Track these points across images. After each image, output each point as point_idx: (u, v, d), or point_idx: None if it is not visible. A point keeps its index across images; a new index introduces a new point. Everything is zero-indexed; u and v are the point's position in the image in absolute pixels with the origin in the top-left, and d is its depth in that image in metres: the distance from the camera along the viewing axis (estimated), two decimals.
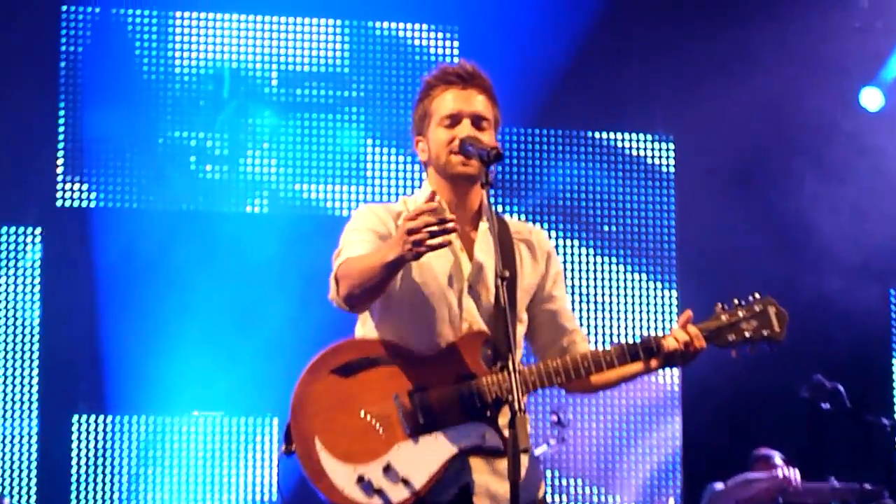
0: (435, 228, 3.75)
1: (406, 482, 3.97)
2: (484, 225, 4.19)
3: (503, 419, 3.99)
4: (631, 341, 4.19)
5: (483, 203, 4.20)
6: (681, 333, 4.17)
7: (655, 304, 9.41)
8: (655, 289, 9.46)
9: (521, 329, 4.26)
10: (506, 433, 3.75)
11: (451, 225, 3.77)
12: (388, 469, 3.98)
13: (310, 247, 8.28)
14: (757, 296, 4.26)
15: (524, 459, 3.98)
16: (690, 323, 4.24)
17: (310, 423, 4.01)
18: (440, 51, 9.39)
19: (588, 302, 9.43)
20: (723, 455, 8.93)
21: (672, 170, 9.59)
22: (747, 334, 4.21)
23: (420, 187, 4.36)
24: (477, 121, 4.19)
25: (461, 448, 4.02)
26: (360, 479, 3.96)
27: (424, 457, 3.99)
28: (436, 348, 4.11)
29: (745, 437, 8.96)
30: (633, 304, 9.44)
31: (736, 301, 4.25)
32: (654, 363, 4.19)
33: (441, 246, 3.78)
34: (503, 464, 3.97)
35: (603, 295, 9.37)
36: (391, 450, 4.00)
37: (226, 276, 8.84)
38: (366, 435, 4.00)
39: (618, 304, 9.42)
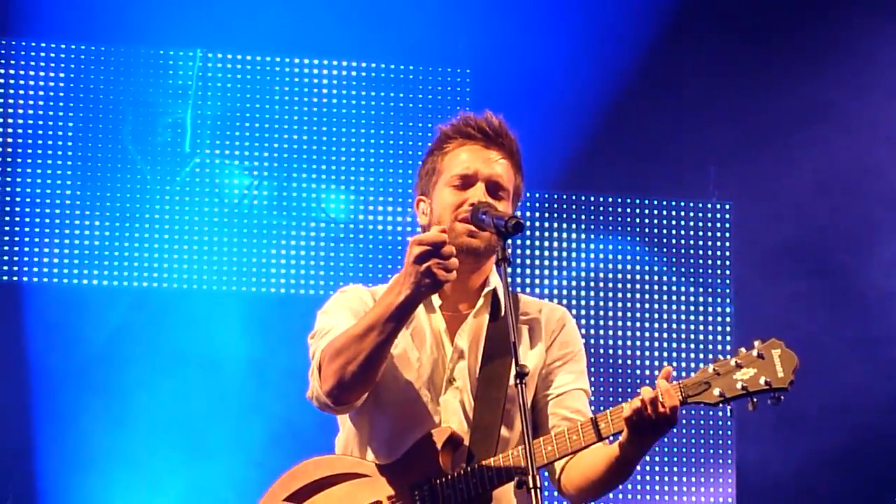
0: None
1: None
2: (479, 304, 3.90)
3: None
4: (597, 415, 3.74)
5: (487, 281, 3.90)
6: (647, 391, 3.61)
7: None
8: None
9: (505, 433, 3.88)
10: None
11: (454, 261, 3.58)
12: None
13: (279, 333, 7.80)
14: (758, 342, 3.67)
15: None
16: (667, 378, 3.67)
17: None
18: (448, 97, 8.64)
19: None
20: None
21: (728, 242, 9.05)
22: (738, 385, 3.59)
23: None
24: (494, 188, 3.87)
25: None
26: None
27: None
28: (405, 451, 3.84)
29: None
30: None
31: (741, 350, 3.68)
32: (624, 432, 3.65)
33: (447, 281, 3.58)
34: None
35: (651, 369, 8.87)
36: None
37: (182, 362, 8.08)
38: None
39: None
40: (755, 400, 3.58)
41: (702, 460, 8.77)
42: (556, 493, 4.00)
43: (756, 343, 3.63)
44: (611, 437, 3.75)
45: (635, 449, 3.68)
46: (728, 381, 3.60)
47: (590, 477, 3.83)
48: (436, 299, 3.85)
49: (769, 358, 3.61)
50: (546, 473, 3.94)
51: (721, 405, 3.62)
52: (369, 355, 3.66)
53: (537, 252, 8.73)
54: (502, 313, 3.84)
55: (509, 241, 3.68)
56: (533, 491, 3.41)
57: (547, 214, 8.77)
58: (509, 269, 3.64)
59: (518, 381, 3.48)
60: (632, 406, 3.59)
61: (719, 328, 8.89)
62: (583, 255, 8.77)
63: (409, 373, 3.85)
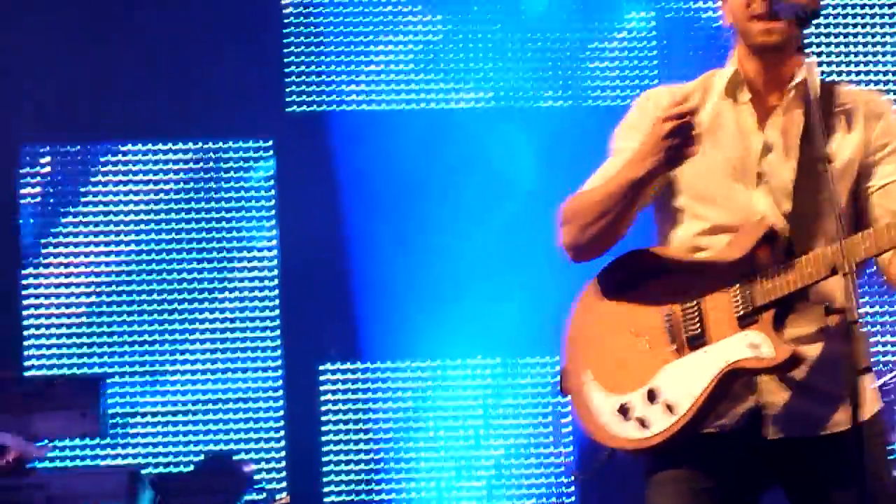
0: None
1: (669, 407, 3.57)
2: (790, 97, 3.69)
3: (793, 328, 3.56)
4: None
5: (796, 73, 3.67)
6: None
7: None
8: None
9: (825, 224, 3.64)
10: (785, 339, 3.50)
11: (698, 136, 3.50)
12: (651, 395, 3.60)
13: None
14: None
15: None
16: None
17: (581, 358, 3.75)
18: None
19: None
20: None
21: None
22: None
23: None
24: None
25: (728, 363, 3.54)
26: (622, 409, 3.63)
27: (690, 377, 3.57)
28: (722, 247, 3.67)
29: None
30: None
31: None
32: None
33: (692, 156, 3.51)
34: (808, 379, 3.57)
35: None
36: (658, 373, 3.61)
37: (496, 189, 7.93)
38: (634, 360, 3.66)
39: None
40: None
41: None
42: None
43: None
44: None
45: None
46: None
47: None
48: (744, 94, 3.70)
49: None
50: (875, 266, 3.71)
51: None
52: (606, 223, 3.65)
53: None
54: (812, 102, 3.60)
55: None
56: (848, 276, 3.33)
57: None
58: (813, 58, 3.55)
59: (824, 169, 3.40)
60: None
61: None
62: None
63: (717, 172, 3.72)
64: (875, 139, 3.74)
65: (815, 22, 3.68)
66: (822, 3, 3.65)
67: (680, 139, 3.48)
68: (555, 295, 6.93)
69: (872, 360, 3.72)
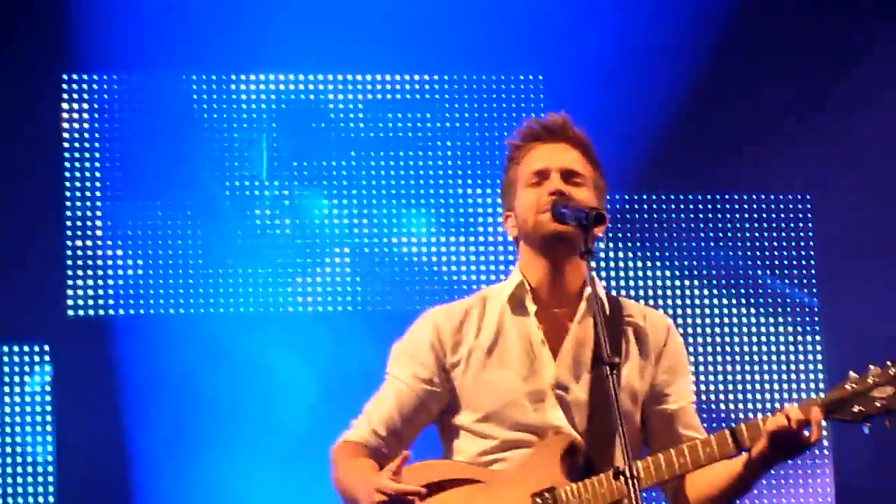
0: None
1: None
2: (581, 309, 3.76)
3: None
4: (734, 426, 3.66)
5: (586, 283, 3.75)
6: (794, 409, 3.58)
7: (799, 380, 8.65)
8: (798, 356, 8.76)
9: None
10: None
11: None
12: None
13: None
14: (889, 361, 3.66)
15: None
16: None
17: None
18: (523, 104, 8.51)
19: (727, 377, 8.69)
20: None
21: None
22: (879, 404, 3.58)
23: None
24: (568, 175, 3.81)
25: None
26: None
27: None
28: (514, 463, 3.73)
29: None
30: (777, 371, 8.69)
31: (872, 367, 3.67)
32: (758, 447, 3.58)
33: None
34: None
35: (742, 368, 8.68)
36: None
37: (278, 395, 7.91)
38: None
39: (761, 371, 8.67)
40: (894, 420, 3.60)
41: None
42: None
43: (888, 362, 3.64)
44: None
45: (764, 466, 3.64)
46: (867, 399, 3.59)
47: (709, 495, 3.76)
48: (530, 304, 3.77)
49: None
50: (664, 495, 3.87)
51: (856, 422, 3.62)
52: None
53: (620, 254, 8.57)
54: (605, 314, 3.77)
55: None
56: (631, 481, 3.34)
57: (629, 216, 8.58)
58: (593, 264, 3.61)
59: (609, 374, 3.40)
60: (776, 421, 3.57)
61: (808, 328, 8.68)
62: (666, 253, 8.62)
63: (504, 390, 3.78)
64: (663, 361, 3.86)
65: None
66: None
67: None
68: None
69: None
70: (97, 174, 8.04)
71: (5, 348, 7.87)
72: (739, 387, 8.60)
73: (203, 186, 8.07)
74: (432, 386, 3.83)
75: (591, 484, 3.61)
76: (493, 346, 3.78)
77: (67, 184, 8.02)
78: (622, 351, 3.80)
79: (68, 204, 8.02)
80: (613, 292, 4.15)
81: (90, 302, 8.00)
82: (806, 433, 3.57)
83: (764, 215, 8.73)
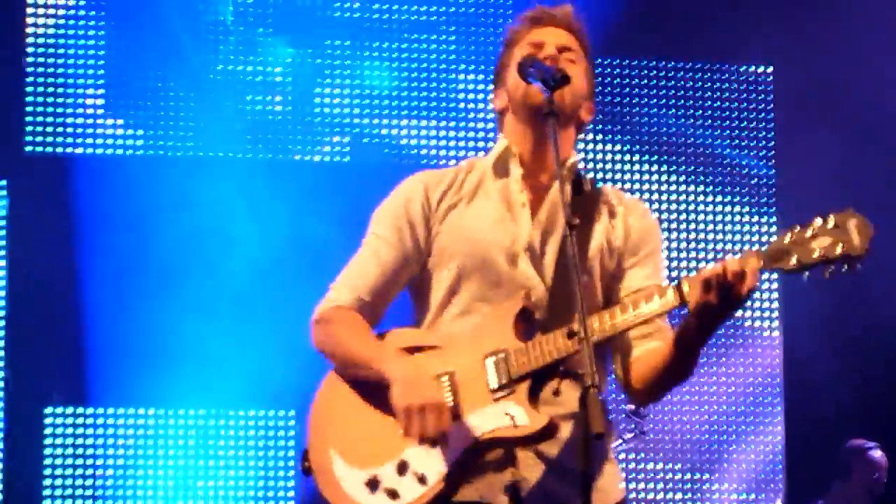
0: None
1: (420, 478, 3.59)
2: (561, 173, 3.62)
3: (550, 406, 3.59)
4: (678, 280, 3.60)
5: (569, 152, 3.81)
6: (732, 260, 3.51)
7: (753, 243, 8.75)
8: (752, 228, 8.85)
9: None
10: (539, 411, 3.53)
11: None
12: (402, 467, 3.62)
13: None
14: (832, 213, 3.56)
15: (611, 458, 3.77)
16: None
17: (328, 434, 3.75)
18: None
19: (680, 247, 8.80)
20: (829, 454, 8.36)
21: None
22: (816, 254, 3.51)
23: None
24: (564, 50, 3.79)
25: (482, 433, 3.57)
26: (370, 482, 3.64)
27: (440, 448, 3.58)
28: (478, 322, 3.73)
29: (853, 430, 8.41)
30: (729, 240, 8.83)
31: (815, 220, 3.57)
32: (694, 296, 3.51)
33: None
34: (562, 457, 3.60)
35: (696, 237, 8.80)
36: (409, 446, 3.61)
37: (240, 240, 7.88)
38: (383, 434, 3.66)
39: (714, 241, 8.82)
40: (832, 268, 3.51)
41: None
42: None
43: (830, 213, 3.53)
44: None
45: (703, 320, 3.55)
46: (805, 250, 3.51)
47: (656, 366, 3.73)
48: (515, 168, 3.78)
49: (844, 227, 3.50)
50: (613, 376, 3.86)
51: (797, 273, 3.54)
52: (349, 372, 3.75)
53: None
54: (586, 187, 3.80)
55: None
56: (585, 342, 3.28)
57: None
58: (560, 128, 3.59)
59: (569, 232, 3.40)
60: (713, 269, 3.49)
61: (763, 198, 8.77)
62: (626, 118, 8.66)
63: (484, 245, 3.76)
64: (633, 238, 3.83)
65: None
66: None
67: (430, 425, 3.51)
68: (282, 350, 7.01)
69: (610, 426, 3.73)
70: (60, 11, 8.03)
71: None
72: (693, 262, 8.70)
73: (169, 27, 8.04)
74: (415, 242, 3.82)
75: (540, 342, 3.60)
76: (473, 199, 3.79)
77: (30, 20, 8.01)
78: (593, 221, 3.80)
79: (30, 41, 8.01)
80: None
81: (48, 139, 8.01)
82: (745, 279, 3.48)
83: (726, 85, 8.78)
